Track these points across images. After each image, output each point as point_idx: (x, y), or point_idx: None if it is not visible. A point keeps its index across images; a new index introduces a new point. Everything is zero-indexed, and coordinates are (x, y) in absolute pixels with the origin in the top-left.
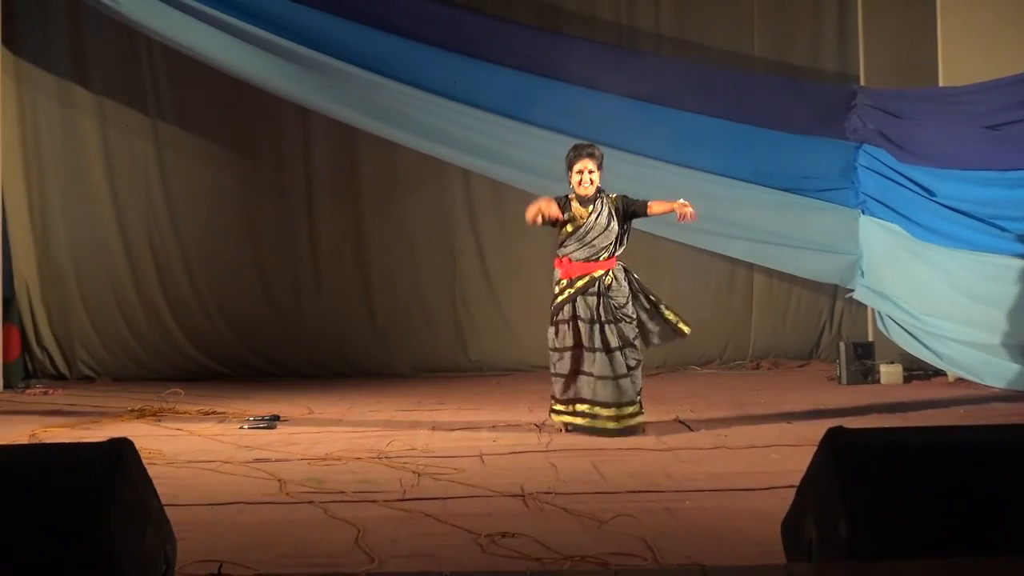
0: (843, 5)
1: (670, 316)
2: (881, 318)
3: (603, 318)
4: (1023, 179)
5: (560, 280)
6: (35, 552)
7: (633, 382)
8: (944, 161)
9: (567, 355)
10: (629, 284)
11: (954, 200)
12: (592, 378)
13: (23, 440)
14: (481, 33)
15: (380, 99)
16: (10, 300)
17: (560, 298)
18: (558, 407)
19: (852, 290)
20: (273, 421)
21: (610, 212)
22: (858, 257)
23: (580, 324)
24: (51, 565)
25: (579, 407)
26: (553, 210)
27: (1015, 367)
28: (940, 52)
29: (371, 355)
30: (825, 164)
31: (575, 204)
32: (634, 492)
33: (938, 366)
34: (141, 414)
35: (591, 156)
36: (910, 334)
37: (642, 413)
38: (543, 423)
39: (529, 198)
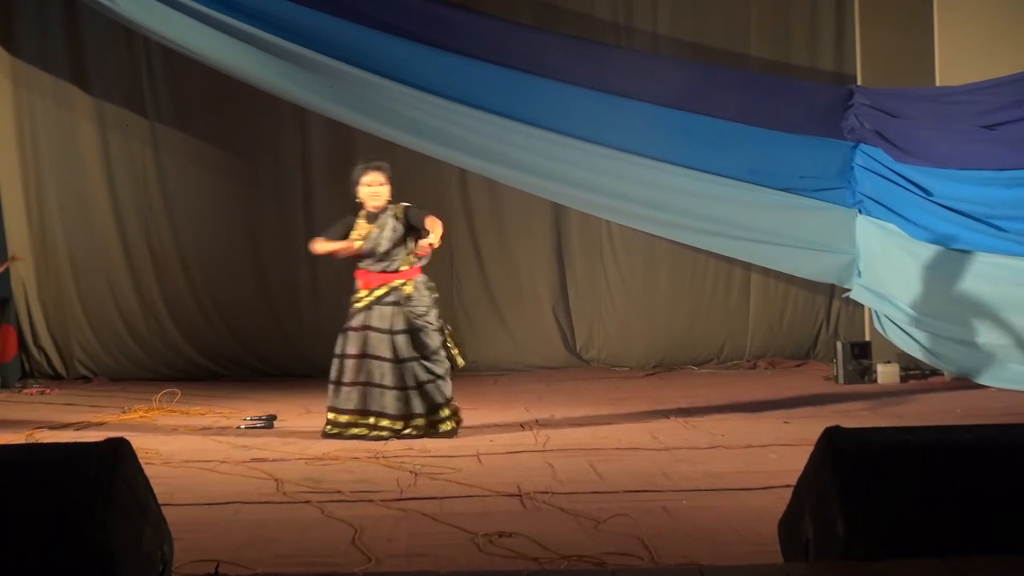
0: (840, 5)
1: (450, 344)
2: (878, 318)
3: (396, 328)
4: (1020, 179)
5: (360, 290)
6: (32, 552)
7: (437, 390)
8: (941, 161)
9: (349, 363)
10: (432, 298)
11: (951, 200)
12: (381, 389)
13: (20, 440)
14: (479, 33)
15: (378, 99)
16: (7, 300)
17: (356, 306)
18: (342, 418)
19: (849, 290)
20: (270, 421)
21: (395, 225)
22: (855, 257)
23: (371, 333)
24: (48, 565)
25: (367, 419)
26: (334, 246)
27: (1011, 366)
28: (937, 52)
29: None
30: (822, 164)
31: (361, 221)
32: (631, 492)
33: (935, 365)
34: (138, 414)
35: (379, 169)
36: (907, 333)
37: (450, 419)
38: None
39: (527, 198)
